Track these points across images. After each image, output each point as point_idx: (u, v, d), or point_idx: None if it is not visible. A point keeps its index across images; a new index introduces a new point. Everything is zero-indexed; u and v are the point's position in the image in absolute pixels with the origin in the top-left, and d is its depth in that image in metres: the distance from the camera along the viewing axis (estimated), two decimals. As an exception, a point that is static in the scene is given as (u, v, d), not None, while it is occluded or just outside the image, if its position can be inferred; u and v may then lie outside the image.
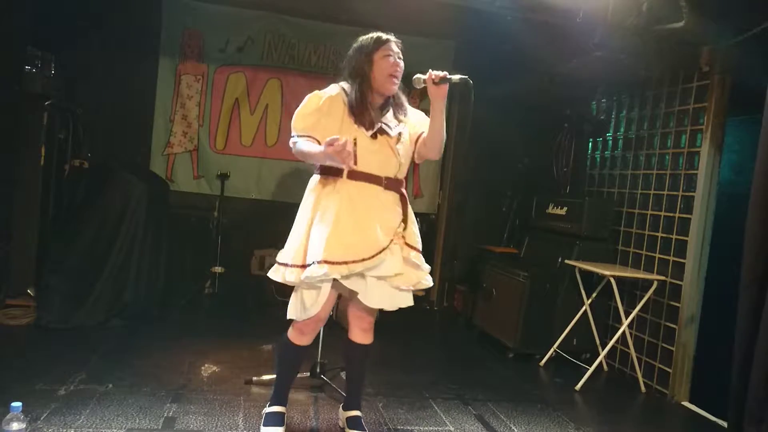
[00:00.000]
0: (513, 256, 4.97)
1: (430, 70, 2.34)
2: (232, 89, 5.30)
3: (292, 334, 2.50)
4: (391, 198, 2.45)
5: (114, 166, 4.33)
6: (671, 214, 3.93)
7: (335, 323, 3.72)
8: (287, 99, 5.36)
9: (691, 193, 3.77)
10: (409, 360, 4.07)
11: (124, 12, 4.85)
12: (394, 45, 2.45)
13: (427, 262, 2.55)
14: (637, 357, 3.99)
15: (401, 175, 2.51)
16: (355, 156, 2.31)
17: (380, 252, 2.32)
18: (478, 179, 5.79)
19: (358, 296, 2.39)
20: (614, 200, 4.52)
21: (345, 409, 2.71)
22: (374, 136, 2.40)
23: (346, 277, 2.31)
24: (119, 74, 4.98)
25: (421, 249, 2.51)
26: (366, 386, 3.05)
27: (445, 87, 2.32)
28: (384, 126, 2.44)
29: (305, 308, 2.39)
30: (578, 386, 3.74)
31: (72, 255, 3.99)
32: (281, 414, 2.59)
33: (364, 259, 2.29)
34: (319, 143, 2.30)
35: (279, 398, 2.61)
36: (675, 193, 3.92)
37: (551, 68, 4.43)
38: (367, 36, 2.48)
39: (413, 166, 5.67)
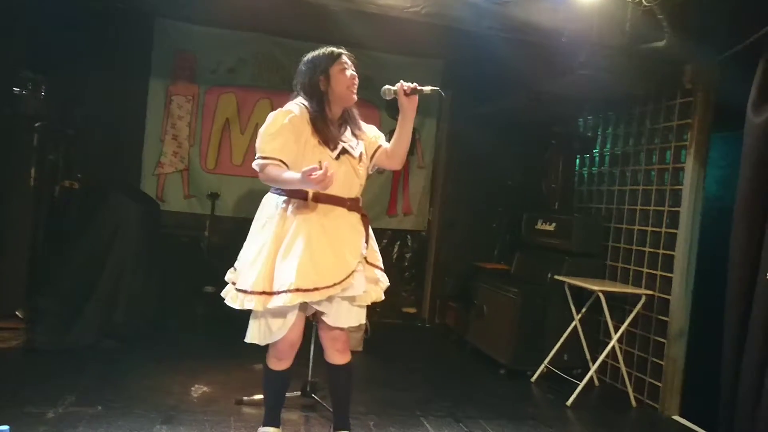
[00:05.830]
0: (504, 273, 4.99)
1: (401, 81, 2.39)
2: (223, 109, 5.34)
3: (270, 360, 2.48)
4: (355, 219, 2.47)
5: (105, 187, 4.34)
6: (658, 229, 3.98)
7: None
8: (278, 118, 5.41)
9: (676, 209, 3.82)
10: (401, 378, 4.06)
11: (116, 34, 4.88)
12: (348, 58, 2.48)
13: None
14: (627, 372, 4.01)
15: (360, 195, 2.54)
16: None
17: (350, 275, 2.34)
18: (469, 196, 5.83)
19: (325, 318, 2.40)
20: (602, 216, 4.57)
21: (334, 429, 2.68)
22: (338, 157, 2.39)
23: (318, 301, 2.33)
24: (110, 95, 4.99)
25: (382, 266, 2.56)
26: (357, 404, 3.05)
27: (416, 98, 2.39)
28: (347, 146, 2.44)
29: (271, 332, 2.37)
30: (570, 402, 3.75)
31: (63, 276, 3.98)
32: (275, 435, 2.58)
33: (335, 284, 2.29)
34: (287, 166, 2.28)
35: (271, 419, 2.60)
36: (661, 208, 3.97)
37: (538, 86, 4.49)
38: (318, 51, 2.48)
39: (403, 184, 5.80)
